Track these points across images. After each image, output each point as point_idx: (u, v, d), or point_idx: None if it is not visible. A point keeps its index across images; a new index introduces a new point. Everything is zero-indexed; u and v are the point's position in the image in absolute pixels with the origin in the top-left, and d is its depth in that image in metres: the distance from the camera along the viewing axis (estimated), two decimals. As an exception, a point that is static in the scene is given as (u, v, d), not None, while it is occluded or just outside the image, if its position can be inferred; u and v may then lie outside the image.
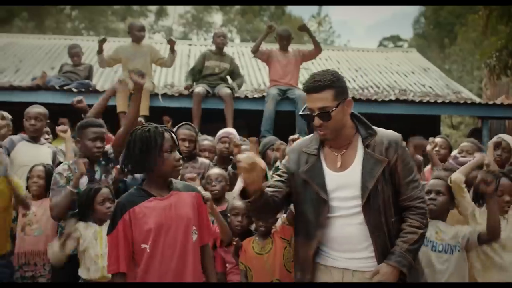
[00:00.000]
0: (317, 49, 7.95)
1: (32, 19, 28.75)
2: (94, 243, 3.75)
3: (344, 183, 2.75)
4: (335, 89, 2.71)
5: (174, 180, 2.93)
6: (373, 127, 2.84)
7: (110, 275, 2.79)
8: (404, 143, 2.85)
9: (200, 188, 3.97)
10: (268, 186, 2.88)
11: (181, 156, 2.88)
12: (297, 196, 2.89)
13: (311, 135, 2.97)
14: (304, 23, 8.30)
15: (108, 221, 3.04)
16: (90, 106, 5.58)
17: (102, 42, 7.48)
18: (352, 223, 2.74)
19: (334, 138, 2.80)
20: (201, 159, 4.96)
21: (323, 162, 2.84)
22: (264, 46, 8.21)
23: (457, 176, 3.74)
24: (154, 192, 2.81)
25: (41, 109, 5.14)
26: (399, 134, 2.84)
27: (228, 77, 8.03)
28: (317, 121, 2.73)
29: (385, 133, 2.82)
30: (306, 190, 2.83)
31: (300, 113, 2.88)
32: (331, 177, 2.79)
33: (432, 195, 3.69)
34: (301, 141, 2.99)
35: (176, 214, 2.80)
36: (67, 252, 3.72)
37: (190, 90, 7.75)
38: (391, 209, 2.74)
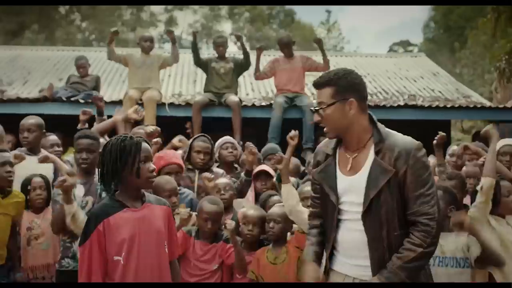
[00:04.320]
0: (326, 66, 7.82)
1: (43, 31, 28.95)
2: None
3: (351, 188, 2.66)
4: (335, 87, 2.66)
5: (146, 193, 2.87)
6: (387, 132, 2.69)
7: None
8: (420, 153, 2.59)
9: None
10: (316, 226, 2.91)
11: (154, 167, 2.80)
12: (320, 199, 2.85)
13: None
14: (321, 38, 8.32)
15: None
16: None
17: (113, 33, 7.63)
18: (355, 229, 2.64)
19: (335, 137, 2.77)
20: (215, 170, 4.91)
21: (337, 163, 2.77)
22: (272, 55, 8.18)
23: (491, 181, 3.70)
24: (128, 203, 2.74)
25: (34, 120, 5.00)
26: (417, 143, 2.61)
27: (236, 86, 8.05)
28: (315, 117, 2.76)
29: (399, 141, 2.61)
30: (322, 191, 2.79)
31: (312, 108, 2.89)
32: (341, 180, 2.71)
33: None
34: (324, 141, 2.92)
35: (150, 227, 2.75)
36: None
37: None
38: (394, 222, 2.56)
